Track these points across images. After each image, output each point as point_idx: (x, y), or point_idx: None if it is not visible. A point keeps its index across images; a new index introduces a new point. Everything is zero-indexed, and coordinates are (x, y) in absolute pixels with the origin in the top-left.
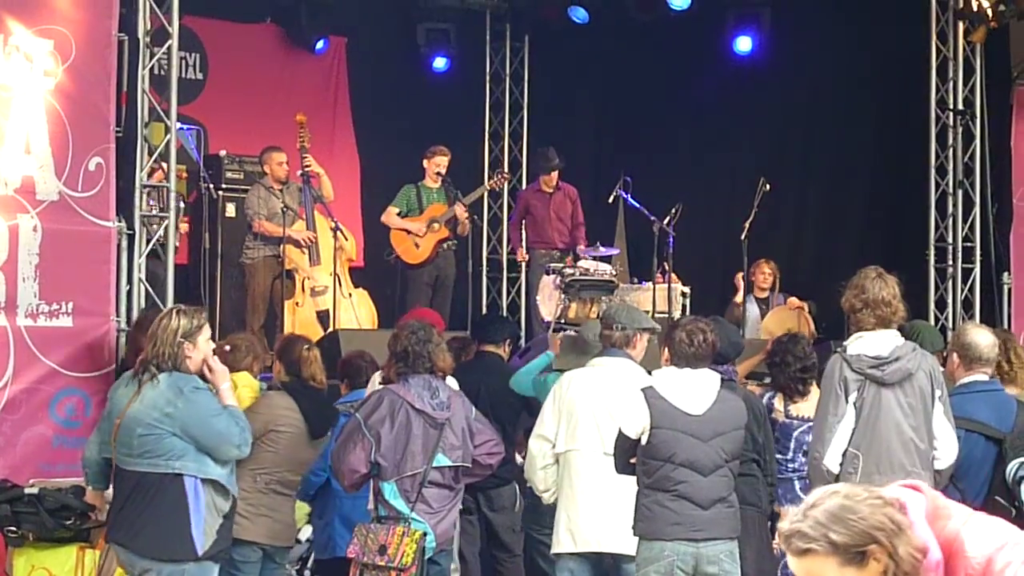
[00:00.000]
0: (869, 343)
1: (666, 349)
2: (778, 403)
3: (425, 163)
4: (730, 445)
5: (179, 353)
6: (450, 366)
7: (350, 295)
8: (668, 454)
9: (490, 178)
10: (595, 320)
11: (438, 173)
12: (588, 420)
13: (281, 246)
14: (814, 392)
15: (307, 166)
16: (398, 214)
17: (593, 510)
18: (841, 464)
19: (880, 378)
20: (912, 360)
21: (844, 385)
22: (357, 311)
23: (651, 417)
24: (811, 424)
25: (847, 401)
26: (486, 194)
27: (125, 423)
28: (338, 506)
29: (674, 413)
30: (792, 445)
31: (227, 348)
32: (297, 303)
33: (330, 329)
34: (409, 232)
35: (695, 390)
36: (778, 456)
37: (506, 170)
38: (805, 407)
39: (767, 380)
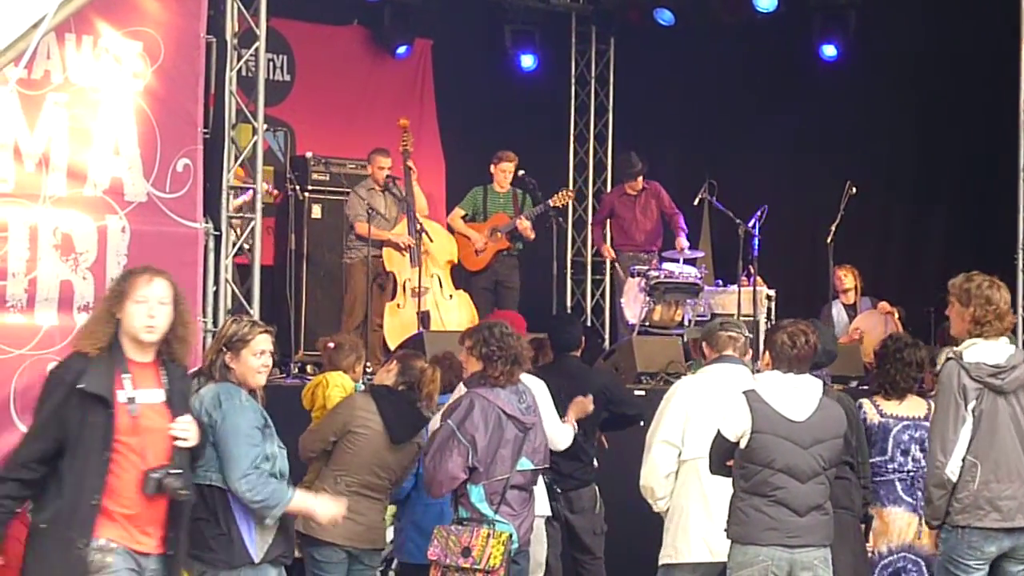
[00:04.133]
0: (985, 351)
1: (767, 353)
2: (867, 406)
3: (492, 168)
4: (829, 453)
5: (220, 361)
6: (528, 369)
7: (451, 297)
8: (767, 459)
9: (555, 194)
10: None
11: (509, 179)
12: (714, 427)
13: (383, 248)
14: (910, 398)
15: (410, 167)
16: (463, 217)
17: (723, 519)
18: (960, 472)
19: (1000, 387)
20: None
21: (964, 393)
22: (458, 313)
23: (752, 421)
24: (907, 423)
25: (967, 409)
26: (570, 200)
27: None
28: (411, 512)
29: (776, 418)
30: (891, 445)
31: (331, 345)
32: (398, 305)
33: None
34: (470, 240)
35: (798, 396)
36: (877, 458)
37: (571, 188)
38: (898, 407)
39: (854, 386)
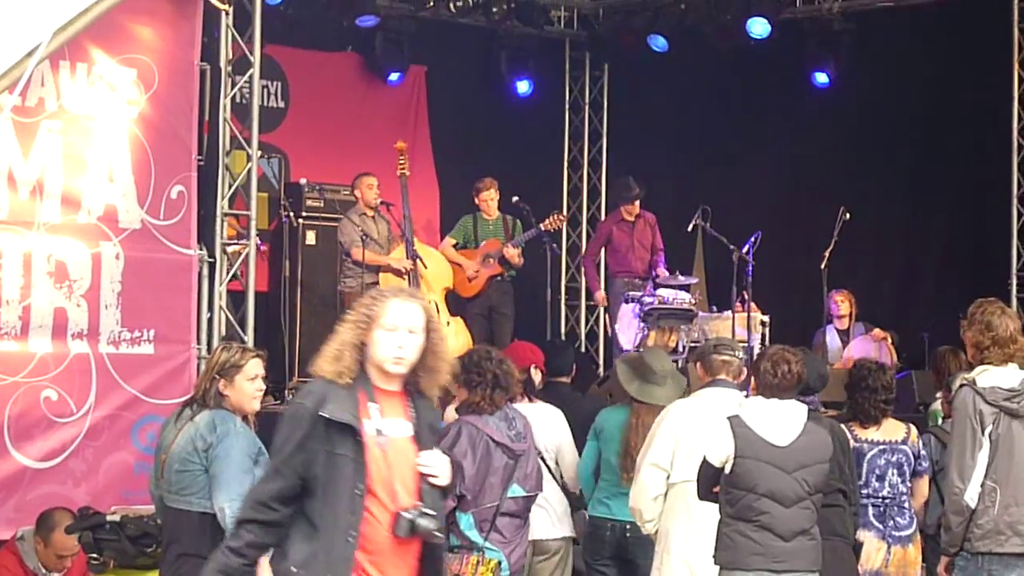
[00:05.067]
0: (997, 376)
1: (753, 378)
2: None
3: (476, 200)
4: (813, 478)
5: (214, 389)
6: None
7: (448, 323)
8: (751, 484)
9: (545, 219)
10: (659, 349)
11: (495, 205)
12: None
13: (379, 273)
14: (886, 423)
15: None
16: (454, 245)
17: (708, 543)
18: (978, 498)
19: (1015, 410)
20: None
21: (980, 418)
22: (454, 340)
23: (735, 447)
24: (883, 447)
25: (983, 434)
26: (565, 224)
27: (168, 459)
28: None
29: (759, 443)
30: (865, 470)
31: None
32: None
33: None
34: (463, 267)
35: (781, 421)
36: None
37: (564, 212)
38: (875, 433)
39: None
